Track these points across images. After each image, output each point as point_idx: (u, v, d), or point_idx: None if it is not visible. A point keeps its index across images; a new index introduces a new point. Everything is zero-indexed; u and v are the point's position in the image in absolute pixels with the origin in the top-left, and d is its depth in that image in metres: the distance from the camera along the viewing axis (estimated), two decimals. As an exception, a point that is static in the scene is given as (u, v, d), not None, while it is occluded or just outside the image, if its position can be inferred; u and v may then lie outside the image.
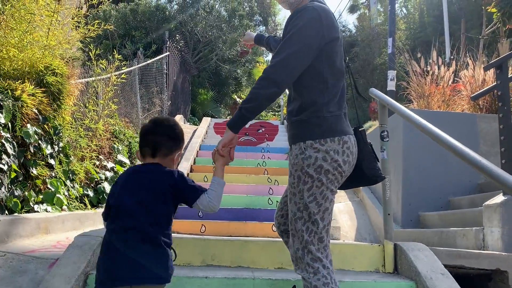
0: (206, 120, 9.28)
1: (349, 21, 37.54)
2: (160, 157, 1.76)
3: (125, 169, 5.42)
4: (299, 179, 1.74)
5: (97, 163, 4.95)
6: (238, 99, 19.80)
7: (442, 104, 4.89)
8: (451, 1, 15.76)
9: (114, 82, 4.80)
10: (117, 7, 14.35)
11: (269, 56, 34.05)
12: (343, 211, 5.13)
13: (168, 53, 9.79)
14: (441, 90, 4.91)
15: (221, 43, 14.31)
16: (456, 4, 16.15)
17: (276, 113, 21.14)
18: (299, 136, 1.76)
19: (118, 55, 13.50)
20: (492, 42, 8.79)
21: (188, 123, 11.55)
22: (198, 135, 7.79)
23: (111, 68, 4.75)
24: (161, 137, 1.77)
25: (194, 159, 6.64)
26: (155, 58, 8.99)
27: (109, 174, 4.91)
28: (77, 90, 4.51)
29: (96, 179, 4.69)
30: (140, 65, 7.74)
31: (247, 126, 9.28)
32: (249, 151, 7.23)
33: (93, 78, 4.51)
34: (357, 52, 12.54)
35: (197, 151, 7.04)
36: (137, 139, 7.08)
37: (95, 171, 4.87)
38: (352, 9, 30.70)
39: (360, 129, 1.85)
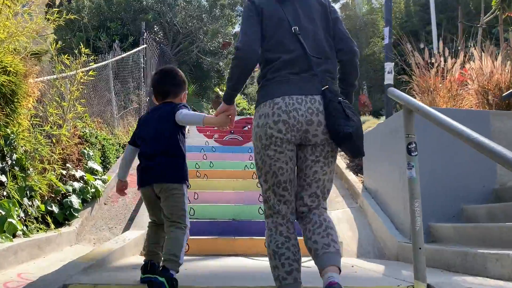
0: (187, 117, 8.71)
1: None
2: (170, 99, 2.52)
3: (96, 177, 4.83)
4: None
5: (64, 172, 4.35)
6: (220, 92, 19.19)
7: (449, 100, 4.42)
8: (437, -11, 15.35)
9: (82, 80, 4.18)
10: (90, -4, 13.53)
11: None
12: (342, 219, 4.65)
13: (145, 45, 9.13)
14: (447, 85, 4.44)
15: (202, 34, 13.65)
16: (442, -8, 15.76)
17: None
18: None
19: (93, 47, 12.79)
20: (489, 31, 8.39)
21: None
22: (180, 134, 7.23)
23: (76, 64, 4.13)
24: (168, 86, 2.53)
25: (175, 163, 6.09)
26: (131, 51, 8.32)
27: (77, 185, 4.31)
28: (36, 90, 3.88)
29: (62, 192, 4.09)
30: (113, 59, 7.09)
31: (232, 123, 8.73)
32: (236, 152, 6.68)
33: (55, 76, 3.89)
34: (344, 43, 12.04)
35: (179, 153, 6.49)
36: (111, 141, 6.47)
37: (63, 181, 4.27)
38: (335, -2, 30.33)
39: (322, 88, 1.88)
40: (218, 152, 6.62)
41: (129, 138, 7.25)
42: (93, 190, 4.49)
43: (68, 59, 4.12)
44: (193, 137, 7.55)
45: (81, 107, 4.12)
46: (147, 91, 8.90)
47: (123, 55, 7.59)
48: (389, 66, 5.65)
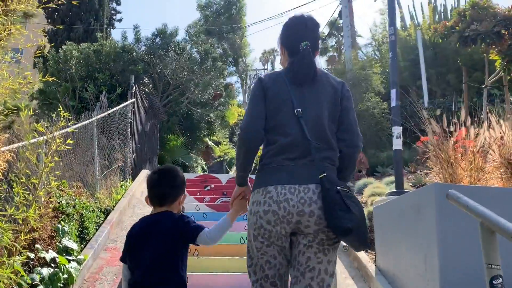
0: (176, 177, 8.11)
1: (322, 64, 37.85)
2: (167, 205, 2.14)
3: (71, 257, 4.16)
4: None
5: (32, 255, 3.70)
6: (210, 143, 18.74)
7: (472, 173, 3.98)
8: (426, 45, 15.53)
9: (60, 148, 3.64)
10: (79, 47, 13.25)
11: (240, 97, 33.42)
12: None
13: (133, 99, 8.69)
14: (470, 157, 4.01)
15: (193, 86, 13.36)
16: (431, 48, 15.96)
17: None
18: None
19: (79, 98, 12.32)
20: (489, 93, 8.19)
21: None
22: (168, 198, 6.60)
23: (52, 131, 3.60)
24: (166, 189, 2.15)
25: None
26: (119, 106, 7.85)
27: (46, 272, 3.64)
28: (2, 161, 3.32)
29: (28, 283, 3.42)
30: (98, 116, 6.59)
31: (223, 182, 8.17)
32: (229, 220, 6.07)
33: (24, 143, 3.36)
34: (338, 98, 11.82)
35: (167, 222, 5.85)
36: (92, 207, 5.83)
37: (30, 266, 3.62)
38: (322, 52, 30.89)
39: (320, 176, 1.78)
40: (210, 220, 6.00)
41: (112, 201, 6.65)
42: (65, 276, 3.82)
43: (43, 125, 3.59)
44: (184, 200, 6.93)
45: (55, 183, 3.54)
46: (133, 147, 8.37)
47: (110, 111, 7.11)
48: (397, 130, 5.26)
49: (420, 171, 7.95)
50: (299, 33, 2.01)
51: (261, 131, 1.87)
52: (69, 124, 5.01)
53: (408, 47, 16.55)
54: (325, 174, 1.78)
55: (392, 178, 7.43)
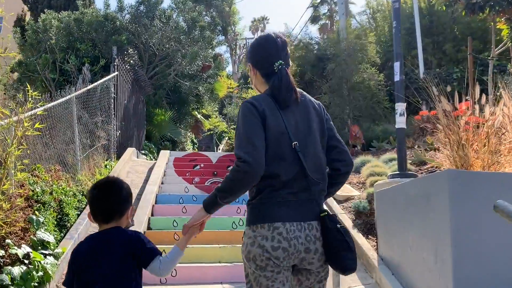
0: (164, 155, 7.68)
1: (313, 32, 37.06)
2: (114, 221, 1.88)
3: (47, 251, 3.80)
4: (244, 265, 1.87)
5: (2, 252, 3.33)
6: (199, 116, 18.24)
7: (487, 156, 3.64)
8: (422, 14, 14.99)
9: (28, 133, 3.20)
10: (59, 15, 12.48)
11: (230, 68, 32.64)
12: (357, 304, 3.77)
13: (116, 73, 8.15)
14: (483, 138, 3.67)
15: (180, 57, 12.75)
16: (427, 16, 15.43)
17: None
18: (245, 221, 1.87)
19: (60, 71, 11.71)
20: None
21: (144, 155, 9.86)
22: (154, 180, 6.18)
23: (21, 112, 3.15)
24: (111, 205, 1.89)
25: (149, 220, 5.06)
26: (98, 82, 7.32)
27: (17, 272, 3.28)
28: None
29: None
30: (77, 92, 6.09)
31: (213, 161, 7.78)
32: (221, 203, 5.71)
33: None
34: (332, 69, 11.36)
35: (153, 206, 5.45)
36: (72, 192, 5.43)
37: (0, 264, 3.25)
38: (314, 19, 30.01)
39: (321, 215, 1.81)
40: (201, 204, 5.65)
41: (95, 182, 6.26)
42: (40, 274, 3.47)
43: (9, 107, 3.14)
44: (170, 182, 6.53)
45: (23, 174, 3.12)
46: (118, 124, 7.91)
47: (89, 87, 6.60)
48: (401, 107, 4.88)
49: (419, 147, 7.65)
50: (271, 53, 1.96)
51: (264, 166, 1.78)
52: (49, 98, 4.55)
53: (403, 16, 15.91)
54: (326, 212, 1.83)
55: (390, 155, 7.12)
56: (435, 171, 6.11)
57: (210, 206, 1.86)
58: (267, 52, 1.97)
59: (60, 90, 7.08)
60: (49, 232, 4.05)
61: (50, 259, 3.68)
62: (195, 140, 18.97)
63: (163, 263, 1.84)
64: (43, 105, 4.27)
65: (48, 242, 3.86)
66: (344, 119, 11.46)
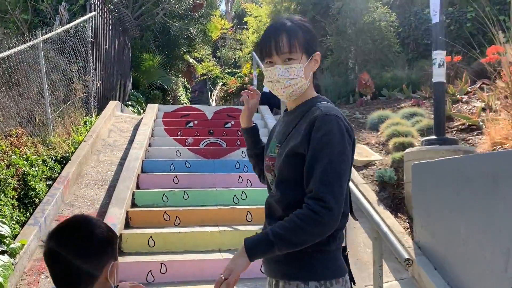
0: (152, 110, 6.71)
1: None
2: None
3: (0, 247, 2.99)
4: None
5: None
6: (191, 60, 16.98)
7: None
8: None
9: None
10: None
11: (223, 6, 30.57)
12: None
13: (94, 13, 6.98)
14: None
15: (169, -6, 11.39)
16: None
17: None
18: (295, 274, 1.37)
19: (34, 11, 10.41)
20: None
21: (130, 107, 8.88)
22: (140, 141, 5.27)
23: None
24: (73, 262, 1.18)
25: (133, 195, 4.22)
26: (68, 25, 6.19)
27: (-46, 285, 2.48)
28: None
29: None
30: (43, 37, 5.02)
31: (209, 117, 6.85)
32: (219, 171, 4.83)
33: None
34: (339, 8, 10.15)
35: (138, 176, 4.59)
36: (40, 159, 4.54)
37: None
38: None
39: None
40: (195, 172, 4.81)
41: (71, 145, 5.36)
42: (-12, 282, 2.68)
43: None
44: (159, 144, 5.61)
45: None
46: (98, 74, 6.88)
47: (58, 30, 5.51)
48: (440, 55, 3.93)
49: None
50: None
51: None
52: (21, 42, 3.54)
53: None
54: (347, 250, 1.65)
55: (409, 108, 6.26)
56: (467, 129, 5.28)
57: (258, 253, 1.31)
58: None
59: (34, 32, 6.00)
60: (5, 219, 3.22)
61: (4, 259, 2.88)
62: (188, 85, 17.88)
63: None
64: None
65: (3, 236, 3.04)
66: (349, 65, 10.44)
